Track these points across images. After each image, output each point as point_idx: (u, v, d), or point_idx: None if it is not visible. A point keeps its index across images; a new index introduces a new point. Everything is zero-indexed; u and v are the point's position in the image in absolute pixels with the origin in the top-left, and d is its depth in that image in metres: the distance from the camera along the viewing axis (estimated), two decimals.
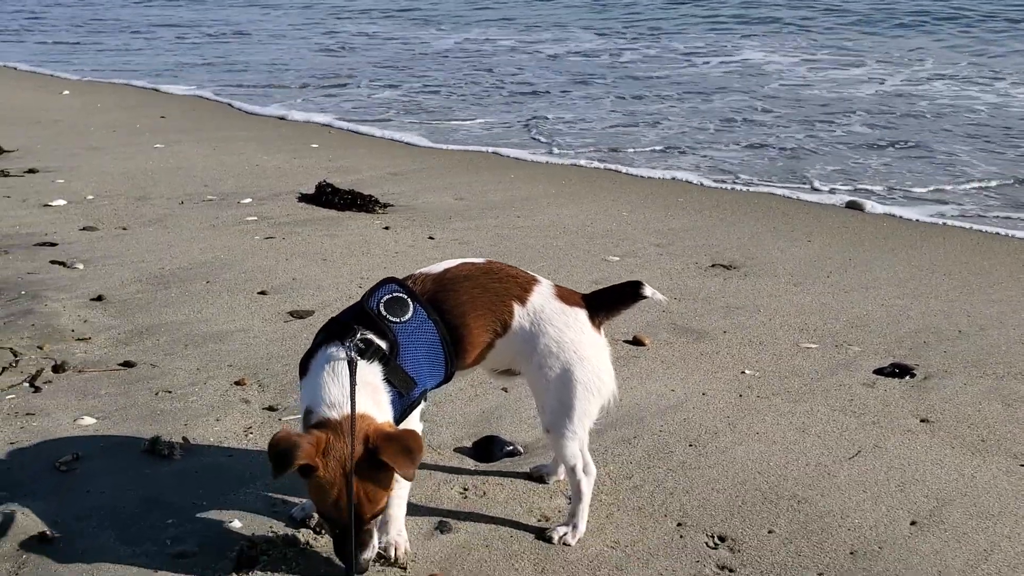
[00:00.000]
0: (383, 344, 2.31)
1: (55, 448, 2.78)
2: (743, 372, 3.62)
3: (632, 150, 7.85)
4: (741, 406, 3.33)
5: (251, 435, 2.98)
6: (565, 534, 2.48)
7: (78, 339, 3.67)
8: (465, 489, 2.72)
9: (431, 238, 5.31)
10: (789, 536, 2.53)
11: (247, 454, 2.85)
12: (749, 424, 3.18)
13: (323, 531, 2.42)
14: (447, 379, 2.49)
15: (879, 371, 3.65)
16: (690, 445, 3.02)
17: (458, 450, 2.95)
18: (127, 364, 3.45)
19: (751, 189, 6.69)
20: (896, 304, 4.43)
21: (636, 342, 3.86)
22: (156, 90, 11.01)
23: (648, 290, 2.49)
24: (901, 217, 6.09)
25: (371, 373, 2.28)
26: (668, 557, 2.42)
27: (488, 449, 2.92)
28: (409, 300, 2.41)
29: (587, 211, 5.97)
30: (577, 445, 2.47)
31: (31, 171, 6.71)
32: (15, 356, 3.45)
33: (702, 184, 6.81)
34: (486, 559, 2.37)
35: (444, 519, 2.53)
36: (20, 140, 7.78)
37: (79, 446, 2.80)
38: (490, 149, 7.97)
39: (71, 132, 8.43)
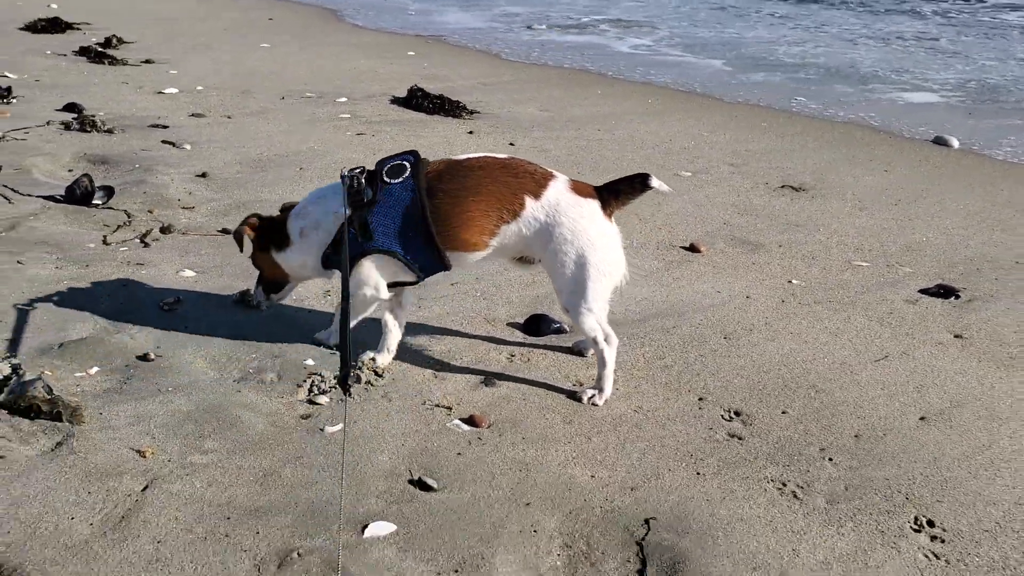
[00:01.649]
0: (363, 192, 2.67)
1: (160, 292, 3.19)
2: (790, 281, 3.80)
3: (724, 78, 7.87)
4: (781, 310, 3.52)
5: (328, 297, 3.33)
6: (593, 396, 2.77)
7: (183, 207, 4.08)
8: (512, 356, 3.02)
9: (511, 144, 5.55)
10: (800, 417, 2.76)
11: (324, 313, 3.20)
12: (785, 325, 3.38)
13: (379, 373, 2.77)
14: (440, 258, 2.72)
15: (924, 291, 3.79)
16: (724, 337, 3.25)
17: (511, 324, 3.24)
18: (224, 231, 3.84)
19: (843, 118, 6.69)
20: (958, 233, 4.50)
21: (692, 248, 4.07)
22: None
23: (654, 181, 2.74)
24: (984, 154, 6.04)
25: (328, 206, 2.75)
26: (684, 423, 2.68)
27: (537, 325, 3.21)
28: (408, 168, 2.70)
29: (668, 129, 6.10)
30: (594, 319, 2.74)
31: (147, 61, 7.17)
32: (128, 217, 3.88)
33: (790, 109, 6.84)
34: (521, 409, 2.68)
35: (490, 377, 2.85)
36: (139, 34, 8.26)
37: (180, 292, 3.20)
38: (579, 65, 8.09)
39: (186, 29, 8.89)
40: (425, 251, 2.72)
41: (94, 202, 3.95)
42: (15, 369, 2.54)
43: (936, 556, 2.20)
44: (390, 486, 2.26)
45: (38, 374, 2.53)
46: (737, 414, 2.76)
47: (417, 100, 6.45)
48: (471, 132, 5.80)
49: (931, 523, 2.32)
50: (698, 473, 2.46)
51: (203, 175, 4.54)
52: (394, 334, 2.89)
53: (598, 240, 2.72)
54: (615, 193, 2.77)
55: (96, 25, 8.50)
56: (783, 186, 5.05)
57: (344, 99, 6.48)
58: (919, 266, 4.05)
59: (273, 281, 2.98)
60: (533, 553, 2.09)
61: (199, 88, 6.44)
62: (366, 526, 2.10)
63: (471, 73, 7.63)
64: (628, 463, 2.47)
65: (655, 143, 5.73)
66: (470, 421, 2.59)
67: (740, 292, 3.65)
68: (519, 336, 3.17)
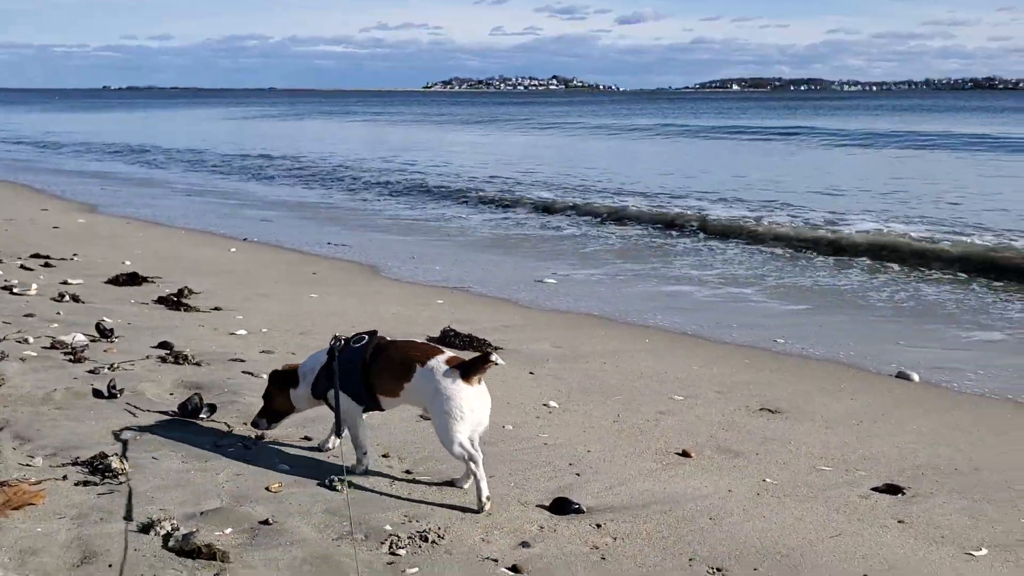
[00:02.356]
0: (336, 351, 4.31)
1: (266, 480, 4.09)
2: (764, 480, 4.66)
3: (717, 323, 9.01)
4: (757, 500, 4.37)
5: (394, 485, 4.21)
6: (484, 503, 3.98)
7: None
8: (542, 527, 3.85)
9: (531, 373, 6.57)
10: (767, 572, 3.56)
11: (391, 495, 4.07)
12: (759, 511, 4.23)
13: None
14: (373, 400, 4.29)
15: (875, 488, 4.64)
16: (710, 518, 4.09)
17: (539, 506, 4.09)
18: (306, 438, 4.78)
19: (815, 355, 7.74)
20: (909, 447, 5.40)
21: (684, 454, 4.96)
22: (306, 252, 12.96)
23: (495, 356, 4.12)
24: (941, 386, 7.02)
25: (317, 361, 4.44)
26: (678, 574, 3.49)
27: (561, 506, 4.06)
28: (367, 338, 4.34)
29: (663, 363, 7.14)
30: (458, 448, 4.04)
31: (216, 308, 8.38)
32: (228, 427, 4.84)
33: (771, 349, 7.91)
34: (552, 562, 3.50)
35: (526, 541, 3.67)
36: (204, 285, 9.55)
37: (281, 480, 4.10)
38: (585, 311, 9.30)
39: (243, 281, 10.22)
40: (363, 398, 4.27)
41: (201, 416, 4.92)
42: (174, 527, 3.41)
43: None
44: None
45: (191, 530, 3.39)
46: (718, 570, 3.57)
47: (450, 339, 7.55)
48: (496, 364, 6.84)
49: None
50: None
51: None
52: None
53: (456, 396, 4.06)
54: (473, 366, 4.14)
55: (167, 279, 9.83)
56: (761, 409, 6.00)
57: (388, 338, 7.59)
58: (873, 471, 4.91)
59: (279, 411, 4.57)
60: None
61: (264, 330, 7.57)
62: None
63: (493, 317, 8.80)
64: None
65: (652, 374, 6.75)
66: (513, 569, 3.41)
67: (723, 487, 4.51)
68: (546, 515, 4.02)
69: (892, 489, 4.62)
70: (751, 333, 8.49)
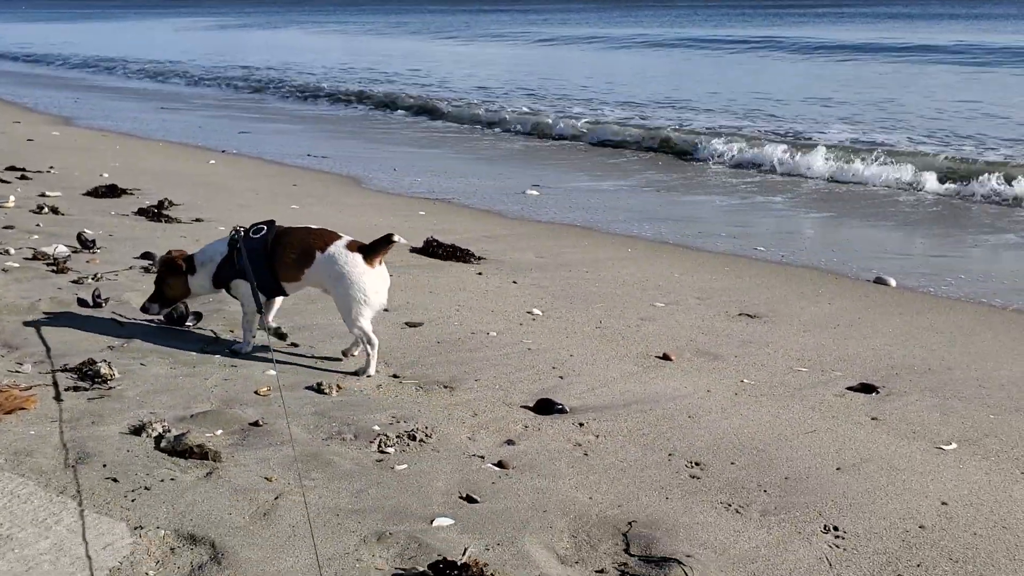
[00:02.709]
0: (238, 242, 4.52)
1: (254, 384, 4.16)
2: (742, 381, 4.77)
3: (699, 232, 9.05)
4: (734, 400, 4.49)
5: (381, 388, 4.29)
6: (367, 371, 4.38)
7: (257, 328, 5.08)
8: (526, 426, 3.95)
9: (514, 282, 6.63)
10: (744, 466, 3.69)
11: (378, 398, 4.15)
12: (736, 410, 4.34)
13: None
14: (274, 288, 4.56)
15: (850, 387, 4.77)
16: (689, 416, 4.20)
17: (523, 406, 4.19)
18: (293, 344, 4.83)
19: (792, 261, 7.83)
20: (884, 349, 5.52)
21: (665, 357, 5.05)
22: (286, 164, 12.83)
23: (396, 236, 4.37)
24: (918, 291, 7.14)
25: (217, 252, 4.63)
26: (656, 469, 3.60)
27: (544, 406, 4.16)
28: (265, 229, 4.55)
29: (644, 271, 7.21)
30: (359, 331, 4.36)
31: (197, 220, 8.33)
32: (215, 335, 4.88)
33: (752, 257, 7.99)
34: (536, 459, 3.60)
35: (511, 439, 3.78)
36: (185, 197, 9.47)
37: (270, 384, 4.16)
38: (568, 221, 9.32)
39: (223, 192, 10.14)
40: (270, 284, 4.52)
41: (187, 324, 4.95)
42: (166, 429, 3.48)
43: (837, 547, 3.10)
44: (447, 499, 3.17)
45: (183, 432, 3.46)
46: (696, 464, 3.69)
47: (433, 249, 7.57)
48: (480, 273, 6.88)
49: (835, 528, 3.22)
50: (667, 498, 3.37)
51: None
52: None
53: (358, 279, 4.33)
54: (375, 248, 4.40)
55: (146, 190, 9.73)
56: (740, 314, 6.10)
57: None
58: (848, 371, 5.04)
59: (171, 297, 4.77)
60: (550, 538, 2.99)
61: None
62: (433, 520, 3.00)
63: (475, 228, 8.81)
64: (615, 491, 3.38)
65: (634, 282, 6.82)
66: (499, 464, 3.51)
67: (702, 387, 4.62)
68: (531, 415, 4.11)
69: (866, 388, 4.75)
70: (733, 242, 8.57)
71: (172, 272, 4.71)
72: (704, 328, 5.68)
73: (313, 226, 4.64)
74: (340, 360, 4.64)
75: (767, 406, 4.41)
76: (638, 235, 8.81)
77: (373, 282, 4.37)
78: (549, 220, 9.48)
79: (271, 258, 4.47)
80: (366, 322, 4.37)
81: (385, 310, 4.77)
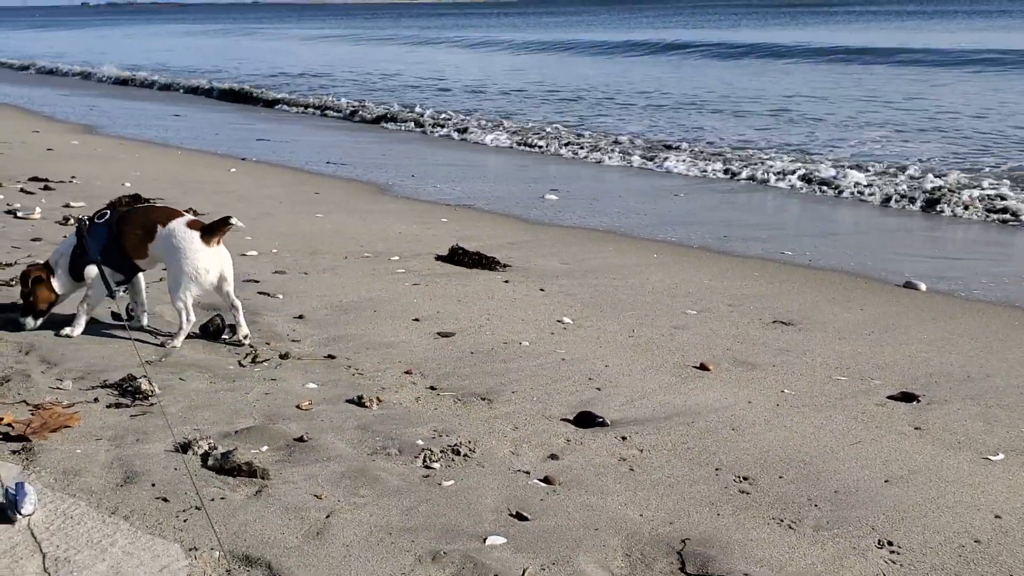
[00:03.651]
0: (85, 231, 4.73)
1: (295, 398, 4.15)
2: (782, 391, 4.73)
3: (724, 236, 9.00)
4: (776, 411, 4.45)
5: (419, 400, 4.27)
6: (171, 343, 4.73)
7: (292, 340, 5.07)
8: (568, 440, 3.92)
9: (541, 290, 6.60)
10: (792, 480, 3.65)
11: (417, 411, 4.13)
12: (779, 421, 4.30)
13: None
14: (129, 266, 4.80)
15: (891, 396, 4.71)
16: (732, 429, 4.16)
17: (563, 419, 4.16)
18: (330, 356, 4.82)
19: (821, 267, 7.78)
20: (921, 356, 5.46)
21: (702, 367, 5.02)
22: (306, 171, 12.84)
23: (234, 219, 4.63)
24: (949, 295, 7.08)
25: (67, 246, 4.80)
26: (705, 484, 3.57)
27: (585, 420, 4.13)
28: (108, 212, 4.78)
29: (673, 278, 7.17)
30: (181, 304, 4.67)
31: None
32: (252, 348, 4.87)
33: (779, 261, 7.94)
34: (581, 474, 3.58)
35: (554, 454, 3.75)
36: (208, 206, 9.48)
37: (310, 397, 4.15)
38: (588, 226, 9.28)
39: (245, 201, 10.15)
40: (122, 264, 4.75)
41: (223, 336, 4.94)
42: (212, 446, 3.46)
43: (893, 563, 3.06)
44: (496, 517, 3.15)
45: (230, 448, 3.44)
46: (745, 478, 3.65)
47: (458, 256, 7.55)
48: (507, 281, 6.86)
49: (890, 543, 3.18)
50: (718, 514, 3.33)
51: (300, 317, 5.55)
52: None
53: (193, 256, 4.60)
54: (212, 228, 4.67)
55: (169, 199, 9.75)
56: (774, 321, 6.05)
57: (396, 257, 7.59)
58: (887, 379, 4.99)
59: (44, 306, 4.83)
60: (604, 557, 2.95)
61: (274, 250, 7.55)
62: (486, 538, 2.98)
63: (499, 234, 8.79)
64: (666, 508, 3.35)
65: (663, 289, 6.78)
66: (546, 480, 3.48)
67: (743, 399, 4.58)
68: (571, 428, 4.08)
69: (907, 397, 4.70)
70: (759, 245, 8.52)
71: (35, 282, 4.81)
72: (739, 336, 5.63)
73: (156, 204, 5.03)
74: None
75: (810, 417, 4.37)
76: (663, 239, 8.77)
77: (207, 259, 4.63)
78: (570, 225, 9.45)
79: (118, 238, 4.70)
80: (191, 297, 4.68)
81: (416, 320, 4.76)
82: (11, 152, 12.81)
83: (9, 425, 3.63)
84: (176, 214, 4.77)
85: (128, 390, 4.04)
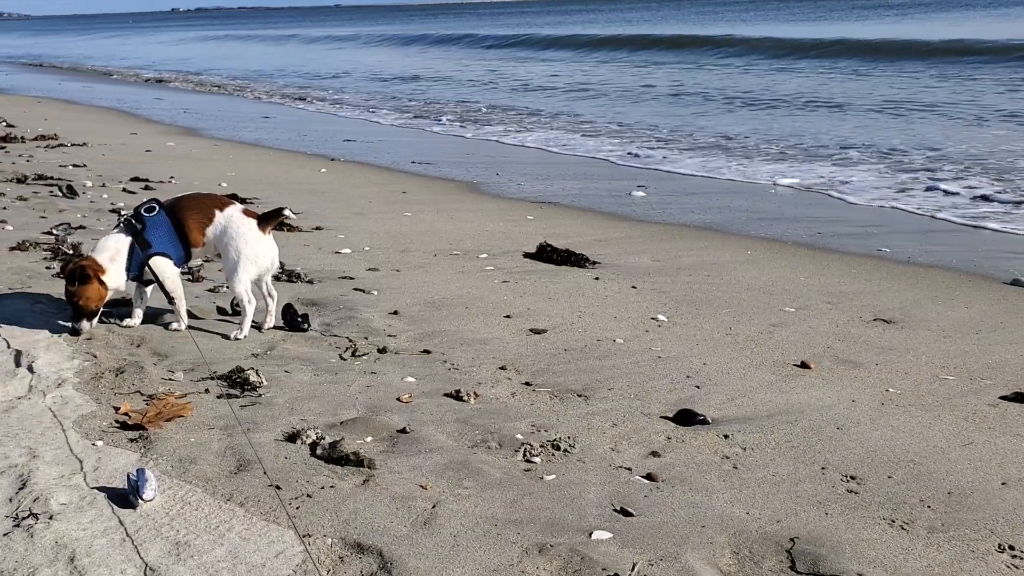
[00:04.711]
0: (137, 225, 4.73)
1: (395, 391, 4.21)
2: (887, 390, 4.60)
3: (819, 233, 8.79)
4: (881, 410, 4.32)
5: (516, 396, 4.29)
6: (236, 332, 4.84)
7: (388, 335, 5.15)
8: (669, 438, 3.89)
9: (633, 287, 6.55)
10: (903, 480, 3.54)
11: (514, 406, 4.15)
12: (886, 420, 4.18)
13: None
14: (188, 254, 4.86)
15: (1003, 397, 4.54)
16: (837, 428, 4.06)
17: (663, 417, 4.12)
18: (425, 351, 4.88)
19: (921, 263, 7.54)
20: None
21: (804, 365, 4.91)
22: (393, 170, 13.02)
23: (287, 211, 4.92)
24: None
25: (120, 241, 4.73)
26: (811, 483, 3.49)
27: (685, 417, 4.09)
28: (156, 205, 4.81)
29: (768, 275, 7.04)
30: (242, 288, 4.79)
31: (317, 228, 8.52)
32: (351, 342, 4.96)
33: (878, 257, 7.72)
34: (684, 471, 3.54)
35: (655, 451, 3.72)
36: (301, 205, 9.69)
37: (409, 391, 4.21)
38: (679, 222, 9.18)
39: (337, 200, 10.35)
40: (181, 253, 4.83)
41: (304, 327, 5.05)
42: (320, 436, 3.54)
43: (1016, 568, 2.94)
44: (601, 512, 3.14)
45: (337, 438, 3.52)
46: (852, 478, 3.56)
47: (547, 254, 7.55)
48: (597, 278, 6.83)
49: (1011, 547, 3.06)
50: (826, 513, 3.26)
51: (395, 313, 5.63)
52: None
53: (249, 241, 4.77)
54: (267, 218, 4.88)
55: (264, 199, 10.01)
56: (875, 319, 5.88)
57: (485, 255, 7.63)
58: (998, 380, 4.80)
59: (95, 307, 4.70)
60: (712, 554, 2.92)
61: (366, 248, 7.69)
62: (591, 533, 2.97)
63: (587, 231, 8.77)
64: (772, 506, 3.29)
65: (759, 286, 6.66)
66: (648, 477, 3.45)
67: (846, 397, 4.47)
68: (671, 426, 4.04)
69: (1021, 398, 4.51)
70: (855, 241, 8.30)
71: (84, 280, 4.60)
72: (839, 334, 5.50)
73: (203, 192, 5.15)
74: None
75: (917, 417, 4.24)
76: (755, 236, 8.62)
77: (262, 246, 4.82)
78: (660, 221, 9.36)
79: (178, 226, 4.77)
80: (248, 283, 4.82)
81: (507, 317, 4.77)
82: (112, 154, 13.31)
83: (127, 414, 3.77)
84: (230, 202, 4.91)
85: (237, 381, 4.16)
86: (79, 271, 4.58)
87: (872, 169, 12.21)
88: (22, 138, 14.25)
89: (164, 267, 4.79)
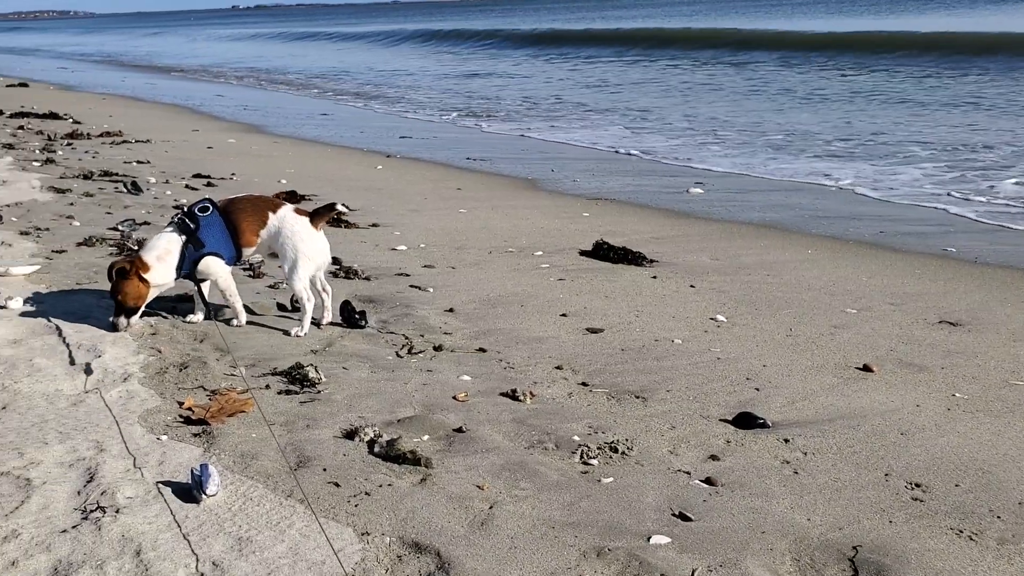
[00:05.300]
0: (190, 224, 4.77)
1: (451, 389, 4.22)
2: (953, 395, 4.48)
3: (881, 232, 8.60)
4: (948, 416, 4.21)
5: (572, 396, 4.27)
6: (297, 330, 4.92)
7: (444, 333, 5.17)
8: (728, 441, 3.83)
9: (692, 286, 6.48)
10: (971, 489, 3.44)
11: (571, 406, 4.13)
12: (952, 426, 4.07)
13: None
14: (239, 254, 4.90)
15: None
16: (901, 433, 3.97)
17: (722, 420, 4.07)
18: (481, 349, 4.88)
19: (990, 264, 7.33)
20: None
21: (866, 368, 4.81)
22: (448, 166, 13.07)
23: (339, 205, 4.99)
24: None
25: (171, 240, 4.79)
26: (875, 490, 3.41)
27: (746, 420, 4.03)
28: (210, 205, 4.85)
29: (829, 275, 6.91)
30: (301, 286, 4.85)
31: (374, 225, 8.59)
32: (407, 339, 4.99)
33: (943, 256, 7.53)
34: (744, 476, 3.49)
35: (714, 455, 3.67)
36: (359, 202, 9.79)
37: (465, 389, 4.22)
38: (738, 220, 9.05)
39: (393, 197, 10.43)
40: (232, 253, 4.87)
41: (361, 324, 5.09)
42: (377, 434, 3.57)
43: None
44: (659, 516, 3.11)
45: (394, 436, 3.54)
46: (917, 485, 3.48)
47: (603, 251, 7.50)
48: (654, 277, 6.77)
49: None
50: (890, 521, 3.18)
51: (450, 310, 5.65)
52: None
53: (304, 239, 4.83)
54: (318, 214, 4.94)
55: (322, 195, 10.13)
56: (940, 321, 5.74)
57: (540, 252, 7.62)
58: None
59: (136, 304, 4.77)
60: (772, 560, 2.87)
61: (422, 245, 7.73)
62: (649, 537, 2.94)
63: (643, 228, 8.70)
64: (834, 513, 3.23)
65: (820, 286, 6.54)
66: (707, 481, 3.41)
67: (911, 402, 4.37)
68: (731, 429, 3.99)
69: None
70: (918, 241, 8.11)
71: (123, 278, 4.68)
72: (903, 337, 5.37)
73: (255, 193, 5.17)
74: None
75: (985, 423, 4.12)
76: (816, 234, 8.47)
77: (316, 242, 4.88)
78: (719, 219, 9.25)
79: (231, 227, 4.82)
80: (305, 279, 4.86)
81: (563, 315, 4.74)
82: (175, 150, 13.58)
83: (190, 409, 3.84)
84: (281, 203, 4.98)
85: (296, 378, 4.21)
86: (119, 268, 4.68)
87: (939, 166, 11.92)
88: (88, 135, 14.61)
89: (216, 267, 4.85)
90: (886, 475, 3.56)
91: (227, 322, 5.08)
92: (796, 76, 24.87)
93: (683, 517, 3.12)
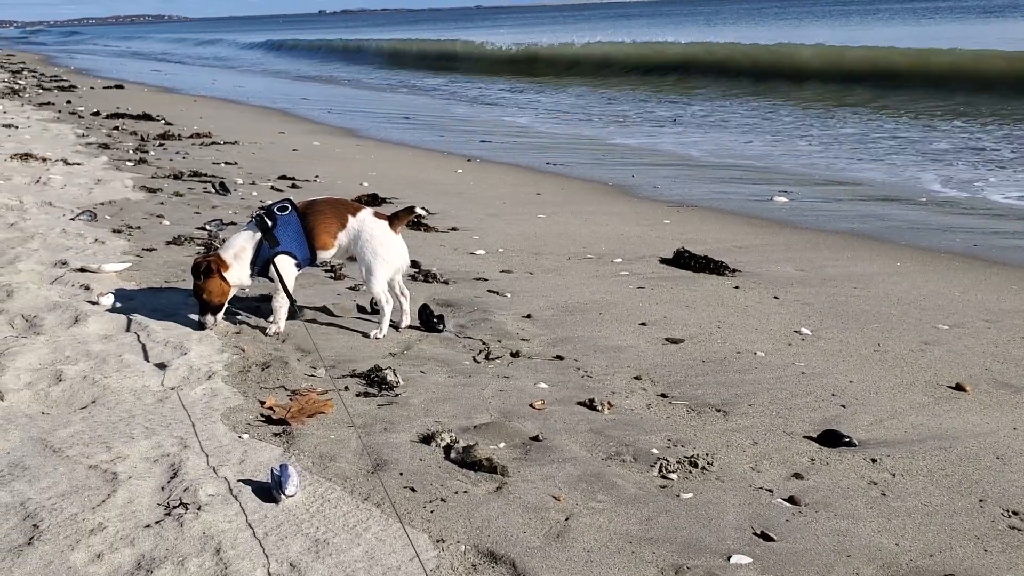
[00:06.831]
0: (268, 222, 4.83)
1: (528, 397, 4.20)
2: None
3: (975, 244, 8.28)
4: None
5: (651, 408, 4.20)
6: (376, 332, 4.97)
7: (521, 339, 5.15)
8: (813, 459, 3.72)
9: (775, 298, 6.33)
10: None
11: (650, 418, 4.06)
12: None
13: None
14: (313, 256, 4.94)
15: None
16: (997, 457, 3.79)
17: (806, 437, 3.95)
18: (558, 357, 4.84)
19: None
20: None
21: (959, 388, 4.62)
22: (528, 169, 13.06)
23: (419, 209, 5.04)
24: None
25: (247, 239, 4.88)
26: (968, 516, 3.26)
27: (831, 438, 3.90)
28: (289, 205, 4.92)
29: (920, 289, 6.67)
30: (379, 288, 4.89)
31: (453, 229, 8.63)
32: (484, 344, 4.98)
33: None
34: (829, 496, 3.38)
35: (797, 473, 3.56)
36: (439, 206, 9.86)
37: (542, 397, 4.18)
38: (824, 229, 8.81)
39: (473, 201, 10.46)
40: (307, 254, 4.91)
41: (440, 328, 5.10)
42: (454, 440, 3.56)
43: None
44: (740, 535, 3.02)
45: (471, 443, 3.53)
46: (1015, 513, 3.31)
47: (684, 260, 7.39)
48: (737, 287, 6.63)
49: None
50: (985, 550, 3.04)
51: (528, 316, 5.63)
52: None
53: (383, 242, 4.87)
54: (397, 217, 4.97)
55: (403, 198, 10.23)
56: None
57: (619, 259, 7.54)
58: None
59: (220, 302, 4.88)
60: None
61: (500, 250, 7.73)
62: (730, 556, 2.86)
63: (725, 237, 8.54)
64: (924, 539, 3.09)
65: (909, 300, 6.31)
66: (790, 500, 3.31)
67: (1007, 424, 4.17)
68: (815, 447, 3.87)
69: None
70: (1017, 255, 7.77)
71: (206, 276, 4.79)
72: (999, 355, 5.14)
73: (335, 196, 5.23)
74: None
75: None
76: (905, 245, 8.19)
77: (394, 246, 4.91)
78: (804, 228, 9.03)
79: (308, 228, 4.86)
80: (384, 282, 4.90)
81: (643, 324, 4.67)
82: (261, 152, 13.90)
83: (271, 408, 3.90)
84: (361, 206, 5.03)
85: (375, 380, 4.24)
86: (203, 266, 4.77)
87: None
88: (179, 136, 15.06)
89: (286, 266, 4.87)
90: (981, 501, 3.40)
91: (263, 331, 5.03)
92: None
93: (765, 537, 3.04)
